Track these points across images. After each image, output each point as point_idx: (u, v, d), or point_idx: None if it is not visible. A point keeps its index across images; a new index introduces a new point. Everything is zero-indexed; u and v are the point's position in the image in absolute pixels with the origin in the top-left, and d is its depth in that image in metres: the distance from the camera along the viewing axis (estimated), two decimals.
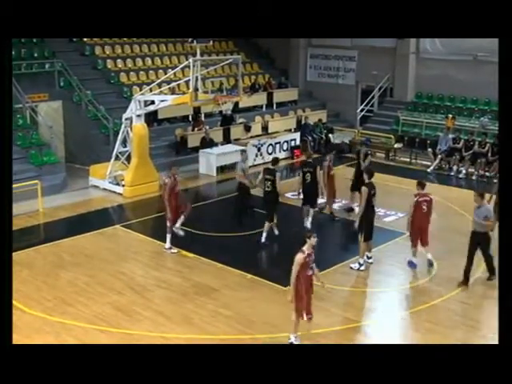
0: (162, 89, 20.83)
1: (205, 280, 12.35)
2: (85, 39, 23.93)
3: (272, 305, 11.32)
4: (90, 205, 17.27)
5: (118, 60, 24.12)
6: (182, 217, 13.70)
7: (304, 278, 9.44)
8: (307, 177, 15.27)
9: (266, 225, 14.36)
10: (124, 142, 18.60)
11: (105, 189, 18.45)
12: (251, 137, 22.97)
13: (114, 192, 18.18)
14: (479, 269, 12.89)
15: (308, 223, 15.22)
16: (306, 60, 29.07)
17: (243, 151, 16.85)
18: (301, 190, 15.43)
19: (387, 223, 15.59)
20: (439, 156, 21.26)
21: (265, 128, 24.23)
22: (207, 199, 18.44)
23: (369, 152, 16.98)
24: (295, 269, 9.34)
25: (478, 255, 12.35)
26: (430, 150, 21.77)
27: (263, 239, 14.24)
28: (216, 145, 21.64)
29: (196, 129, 22.31)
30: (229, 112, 22.92)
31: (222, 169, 20.69)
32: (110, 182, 18.45)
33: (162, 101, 18.06)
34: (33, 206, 16.28)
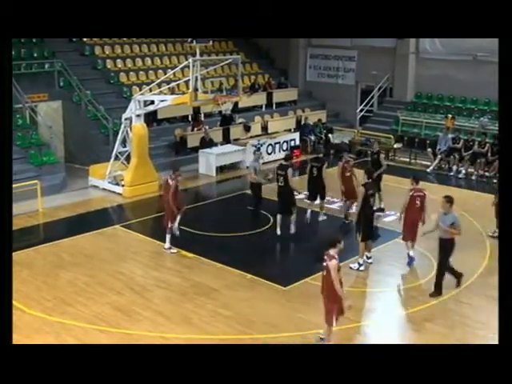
0: (161, 89, 20.83)
1: (204, 280, 12.35)
2: (84, 39, 23.91)
3: (272, 305, 11.32)
4: (89, 205, 17.27)
5: (118, 60, 24.12)
6: (179, 217, 13.69)
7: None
8: (314, 171, 15.56)
9: (292, 217, 14.72)
10: (123, 142, 18.60)
11: (104, 189, 18.45)
12: (251, 137, 22.97)
13: (114, 192, 18.18)
14: (478, 269, 12.91)
15: (308, 214, 15.68)
16: (306, 60, 29.06)
17: (256, 150, 16.82)
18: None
19: (387, 223, 15.59)
20: (439, 156, 21.26)
21: (264, 128, 24.23)
22: (207, 199, 18.45)
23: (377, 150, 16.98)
24: (336, 275, 9.15)
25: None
26: (429, 149, 21.78)
27: (292, 230, 14.69)
28: (216, 145, 21.64)
29: (196, 129, 22.31)
30: (228, 112, 22.93)
31: (221, 169, 20.69)
32: (109, 182, 18.45)
33: (162, 101, 18.06)
34: (32, 206, 16.27)
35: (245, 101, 22.66)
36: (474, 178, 20.30)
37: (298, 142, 23.19)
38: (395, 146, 23.04)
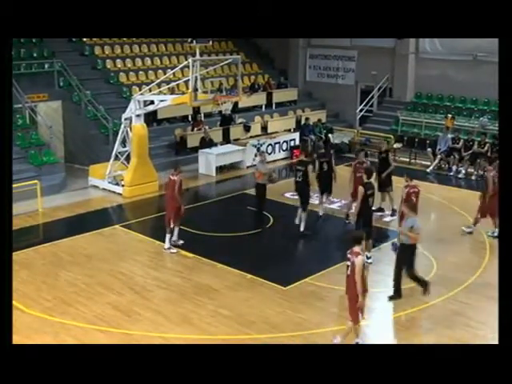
0: (161, 89, 20.83)
1: (204, 280, 12.35)
2: (84, 39, 23.92)
3: (272, 305, 11.32)
4: (89, 205, 17.26)
5: (118, 60, 24.12)
6: (177, 229, 13.85)
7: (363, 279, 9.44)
8: (324, 166, 15.84)
9: (303, 215, 14.80)
10: (123, 142, 18.60)
11: (104, 189, 18.44)
12: (251, 137, 22.99)
13: (114, 192, 18.17)
14: (478, 269, 12.92)
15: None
16: (306, 60, 29.06)
17: (262, 152, 16.86)
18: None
19: (386, 223, 15.59)
20: (438, 156, 21.27)
21: (264, 128, 24.24)
22: (207, 199, 18.44)
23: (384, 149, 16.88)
24: (360, 271, 9.21)
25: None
26: (429, 149, 21.79)
27: (302, 228, 14.76)
28: (215, 145, 21.64)
29: (195, 129, 22.31)
30: (228, 112, 22.93)
31: (221, 169, 20.69)
32: (109, 182, 18.44)
33: (162, 101, 18.05)
34: (32, 206, 16.26)
35: (245, 101, 22.66)
36: (473, 177, 20.30)
37: (297, 142, 23.18)
38: (395, 146, 23.03)
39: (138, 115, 17.82)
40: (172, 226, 13.76)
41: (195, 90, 16.85)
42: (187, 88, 18.09)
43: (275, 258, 13.77)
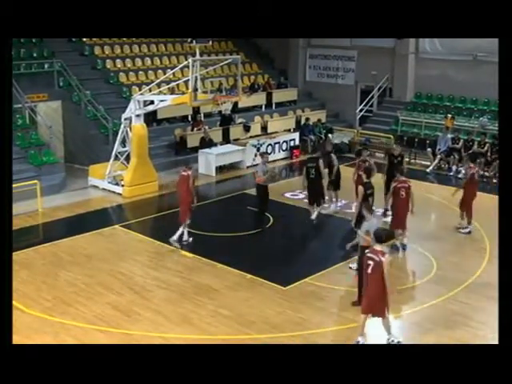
0: (161, 89, 20.82)
1: (204, 280, 12.35)
2: (84, 39, 23.91)
3: (272, 305, 11.31)
4: (89, 205, 17.26)
5: (118, 60, 24.12)
6: (181, 229, 13.97)
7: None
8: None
9: (317, 209, 15.36)
10: (123, 142, 18.60)
11: (104, 189, 18.44)
12: (250, 137, 22.98)
13: (114, 192, 18.16)
14: (478, 269, 12.92)
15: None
16: (306, 60, 29.06)
17: (264, 153, 16.90)
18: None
19: (386, 223, 15.56)
20: (438, 156, 21.26)
21: (264, 128, 24.23)
22: (206, 199, 18.39)
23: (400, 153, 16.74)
24: (388, 270, 9.36)
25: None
26: (429, 149, 21.78)
27: (313, 216, 15.46)
28: (215, 145, 21.64)
29: (195, 129, 22.31)
30: (228, 112, 22.93)
31: (221, 169, 20.68)
32: (109, 182, 18.44)
33: (162, 101, 18.05)
34: (32, 206, 16.25)
35: (244, 101, 22.66)
36: None
37: (297, 142, 23.18)
38: (395, 146, 23.02)
39: (137, 115, 17.82)
40: (188, 220, 13.95)
41: (195, 90, 16.85)
42: (187, 88, 18.08)
43: (275, 258, 13.77)
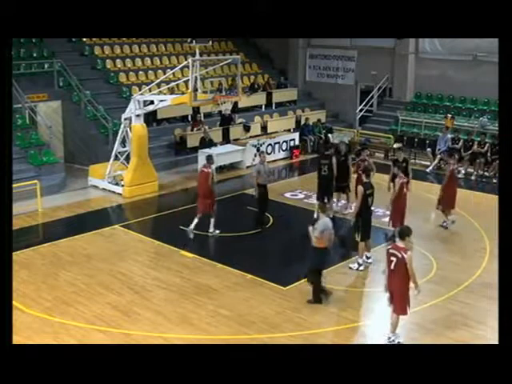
0: (161, 89, 20.83)
1: (204, 280, 12.35)
2: (84, 39, 23.91)
3: (272, 305, 11.31)
4: (89, 205, 17.26)
5: (118, 60, 24.11)
6: (198, 219, 14.39)
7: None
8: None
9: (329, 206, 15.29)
10: (123, 142, 18.60)
11: (104, 189, 18.44)
12: (250, 137, 22.98)
13: (114, 192, 18.16)
14: (478, 269, 12.92)
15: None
16: (305, 60, 29.05)
17: (261, 152, 16.89)
18: None
19: (386, 223, 15.55)
20: (438, 156, 21.26)
21: (264, 128, 24.23)
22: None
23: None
24: (412, 266, 9.48)
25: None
26: (429, 149, 21.79)
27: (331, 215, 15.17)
28: (215, 145, 21.63)
29: (195, 129, 22.31)
30: (228, 112, 22.92)
31: (221, 169, 20.67)
32: (109, 182, 18.44)
33: (162, 101, 18.05)
34: (32, 206, 16.26)
35: (244, 101, 22.69)
36: (473, 178, 20.29)
37: (297, 142, 23.18)
38: (395, 146, 23.03)
39: (137, 115, 17.82)
40: (214, 210, 14.53)
41: (195, 90, 16.86)
42: (187, 88, 18.09)
43: (275, 258, 13.76)
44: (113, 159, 18.41)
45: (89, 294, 11.71)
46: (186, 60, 19.90)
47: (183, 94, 18.75)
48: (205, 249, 13.86)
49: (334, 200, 16.33)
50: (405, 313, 9.79)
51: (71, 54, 23.23)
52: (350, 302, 11.65)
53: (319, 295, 11.31)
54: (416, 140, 23.29)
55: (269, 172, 15.68)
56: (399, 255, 9.50)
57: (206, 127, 22.08)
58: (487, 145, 20.67)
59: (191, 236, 14.38)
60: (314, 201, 17.35)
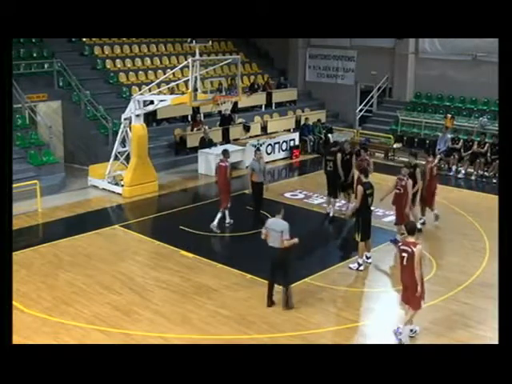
0: (161, 89, 20.83)
1: (204, 280, 12.34)
2: (84, 39, 23.91)
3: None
4: (88, 205, 17.25)
5: (117, 60, 24.11)
6: (220, 214, 14.92)
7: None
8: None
9: (331, 200, 16.00)
10: (123, 142, 18.59)
11: (104, 189, 18.43)
12: (250, 137, 22.97)
13: (113, 192, 18.16)
14: (478, 269, 12.92)
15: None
16: (305, 60, 29.04)
17: (257, 150, 16.87)
18: None
19: (386, 223, 15.57)
20: (438, 156, 21.22)
21: (264, 128, 24.22)
22: (206, 199, 18.40)
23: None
24: (419, 259, 9.60)
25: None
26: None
27: (331, 213, 16.05)
28: (215, 145, 21.62)
29: (195, 129, 22.30)
30: (227, 112, 22.91)
31: None
32: (109, 182, 18.43)
33: (161, 101, 18.04)
34: (31, 206, 16.27)
35: (244, 101, 22.66)
36: (473, 178, 20.28)
37: (297, 142, 23.17)
38: (395, 145, 23.07)
39: (137, 115, 17.81)
40: (228, 204, 14.98)
41: (195, 90, 16.85)
42: (187, 88, 18.08)
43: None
44: (113, 159, 18.41)
45: (89, 294, 11.71)
46: (185, 60, 19.90)
47: (183, 94, 18.75)
48: (205, 249, 13.84)
49: (337, 200, 16.31)
50: (419, 307, 9.87)
51: (71, 53, 23.22)
52: (350, 302, 11.65)
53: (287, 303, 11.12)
54: (416, 140, 23.29)
55: (264, 169, 15.62)
56: (409, 250, 9.64)
57: (206, 127, 22.07)
58: (487, 145, 20.65)
59: (217, 231, 14.71)
60: (313, 201, 17.43)
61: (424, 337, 10.24)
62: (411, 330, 10.06)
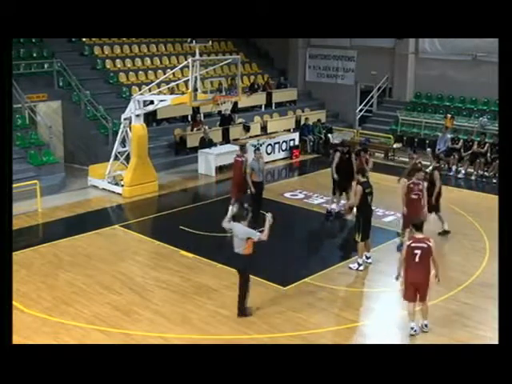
0: (161, 89, 20.83)
1: (204, 280, 12.34)
2: (84, 39, 23.91)
3: (272, 305, 11.30)
4: (88, 205, 17.25)
5: (117, 60, 24.11)
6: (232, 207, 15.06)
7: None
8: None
9: (332, 196, 16.11)
10: (123, 142, 18.60)
11: (104, 189, 18.43)
12: (250, 137, 22.97)
13: (113, 192, 18.16)
14: (478, 269, 12.92)
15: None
16: (305, 60, 29.04)
17: (257, 149, 16.88)
18: None
19: (386, 223, 15.58)
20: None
21: (264, 128, 24.22)
22: (206, 199, 18.42)
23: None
24: (436, 252, 9.93)
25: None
26: (429, 149, 21.69)
27: (333, 207, 16.16)
28: (215, 145, 21.62)
29: (195, 129, 22.30)
30: (227, 112, 22.91)
31: (220, 169, 20.67)
32: (109, 182, 18.43)
33: (161, 101, 18.04)
34: (31, 206, 16.26)
35: (244, 101, 22.66)
36: (473, 178, 20.28)
37: (297, 142, 23.18)
38: (395, 145, 23.08)
39: (137, 115, 17.81)
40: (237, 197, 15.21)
41: (195, 90, 16.86)
42: (187, 88, 18.08)
43: (275, 258, 13.75)
44: (113, 159, 18.41)
45: (89, 294, 11.71)
46: (186, 60, 19.89)
47: (183, 94, 18.75)
48: (205, 249, 13.84)
49: (335, 200, 16.32)
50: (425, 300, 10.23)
51: (71, 53, 23.22)
52: (350, 302, 11.65)
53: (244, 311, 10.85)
54: (416, 140, 23.29)
55: (264, 169, 15.63)
56: (425, 245, 9.81)
57: (206, 127, 22.07)
58: (487, 145, 20.65)
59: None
60: (313, 201, 17.43)
61: (424, 337, 10.25)
62: (412, 328, 10.21)
